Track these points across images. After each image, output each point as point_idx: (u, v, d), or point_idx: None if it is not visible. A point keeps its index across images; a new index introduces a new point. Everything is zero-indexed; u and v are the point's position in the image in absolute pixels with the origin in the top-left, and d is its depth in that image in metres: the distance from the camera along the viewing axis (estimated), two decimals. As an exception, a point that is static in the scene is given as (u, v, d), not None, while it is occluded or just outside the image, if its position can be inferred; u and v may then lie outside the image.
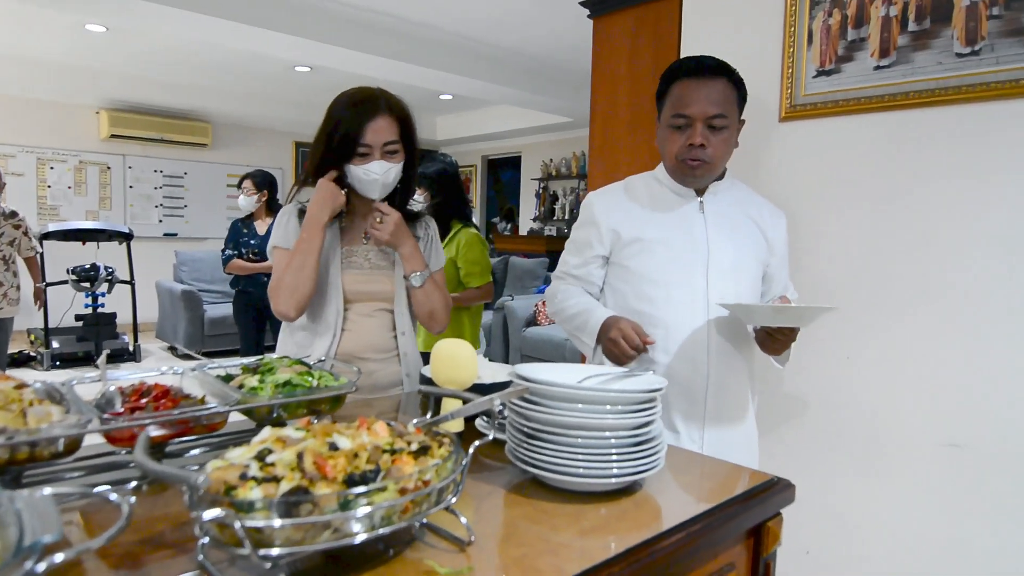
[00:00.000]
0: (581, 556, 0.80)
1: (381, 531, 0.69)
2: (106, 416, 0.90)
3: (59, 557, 0.53)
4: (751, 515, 1.00)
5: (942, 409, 1.71)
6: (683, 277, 1.49)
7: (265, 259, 3.96)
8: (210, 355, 6.30)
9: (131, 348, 6.00)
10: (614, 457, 0.97)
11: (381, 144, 1.53)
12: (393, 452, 0.74)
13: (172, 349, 6.59)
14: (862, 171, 1.82)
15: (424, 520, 0.77)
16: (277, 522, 0.63)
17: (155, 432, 0.94)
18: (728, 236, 1.51)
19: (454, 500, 0.78)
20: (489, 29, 5.21)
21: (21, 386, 0.97)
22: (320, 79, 6.75)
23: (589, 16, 2.51)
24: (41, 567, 0.51)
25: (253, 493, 0.65)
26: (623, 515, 0.93)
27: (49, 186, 6.81)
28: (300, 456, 0.69)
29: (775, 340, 1.44)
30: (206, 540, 0.70)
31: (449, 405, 1.18)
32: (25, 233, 4.20)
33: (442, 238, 2.77)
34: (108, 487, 0.83)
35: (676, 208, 1.53)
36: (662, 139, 1.53)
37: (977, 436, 1.65)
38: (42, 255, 4.45)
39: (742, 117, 1.52)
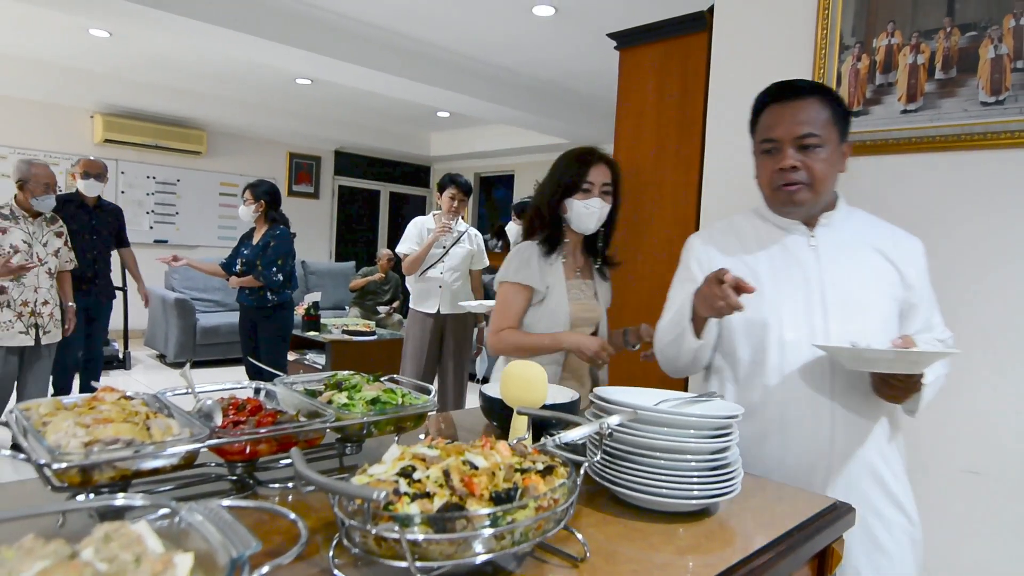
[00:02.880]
0: (688, 574, 0.84)
1: (521, 546, 0.72)
2: (218, 429, 0.93)
3: (265, 569, 0.56)
4: (822, 537, 1.06)
5: (961, 435, 1.78)
6: (796, 317, 1.34)
7: (248, 272, 3.93)
8: (201, 364, 6.23)
9: (121, 356, 5.91)
10: (695, 479, 1.02)
11: (600, 184, 1.82)
12: (523, 471, 0.78)
13: (161, 357, 6.50)
14: (888, 209, 1.90)
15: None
16: (437, 536, 0.67)
17: (261, 447, 0.96)
18: (847, 271, 1.34)
19: (570, 514, 0.82)
20: (489, 50, 5.30)
21: (125, 398, 0.99)
22: (320, 92, 6.78)
23: (616, 48, 2.59)
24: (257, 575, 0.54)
25: (411, 508, 0.68)
26: (710, 536, 0.98)
27: (39, 189, 6.71)
28: (447, 474, 0.72)
29: (891, 387, 1.25)
30: (330, 553, 0.74)
31: (519, 423, 1.22)
32: (66, 242, 3.61)
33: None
34: (264, 502, 0.86)
35: (782, 243, 1.39)
36: (756, 171, 1.41)
37: (997, 463, 1.73)
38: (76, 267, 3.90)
39: (847, 140, 1.37)
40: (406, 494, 0.70)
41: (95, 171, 4.04)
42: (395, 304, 7.09)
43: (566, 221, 1.86)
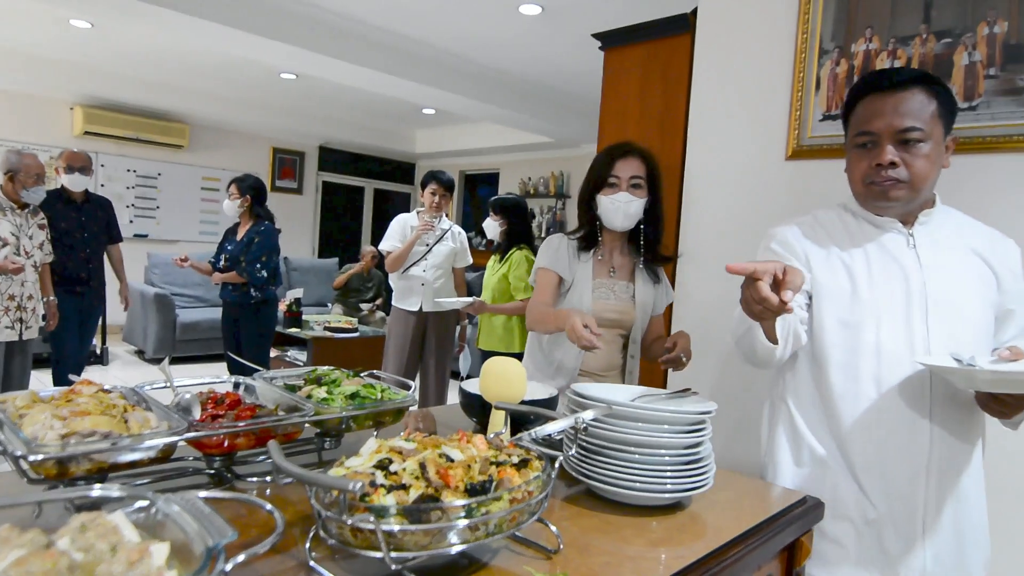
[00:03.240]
0: (659, 566, 0.86)
1: (495, 537, 0.74)
2: (196, 423, 0.93)
3: (240, 558, 0.57)
4: (792, 530, 1.08)
5: None
6: (895, 323, 1.23)
7: (232, 268, 3.89)
8: (181, 360, 6.17)
9: (99, 351, 5.84)
10: (668, 474, 1.04)
11: (628, 177, 1.74)
12: (498, 464, 0.79)
13: (140, 353, 6.43)
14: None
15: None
16: (412, 527, 0.68)
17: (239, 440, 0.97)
18: (947, 273, 1.23)
19: (543, 509, 0.84)
20: (475, 48, 5.30)
21: (103, 391, 0.99)
22: (305, 87, 6.74)
23: (601, 48, 2.61)
24: (229, 567, 0.55)
25: (387, 499, 0.69)
26: (682, 529, 1.00)
27: (17, 181, 6.61)
28: (423, 466, 0.74)
29: (1002, 403, 1.14)
30: (307, 545, 0.75)
31: (496, 418, 1.23)
32: (47, 235, 3.51)
33: (506, 258, 3.55)
34: (243, 493, 0.86)
35: (879, 241, 1.28)
36: (848, 165, 1.30)
37: None
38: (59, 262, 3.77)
39: (951, 134, 1.25)
40: (382, 486, 0.71)
41: (79, 164, 3.81)
42: (378, 301, 7.07)
43: (599, 219, 1.81)
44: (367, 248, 7.34)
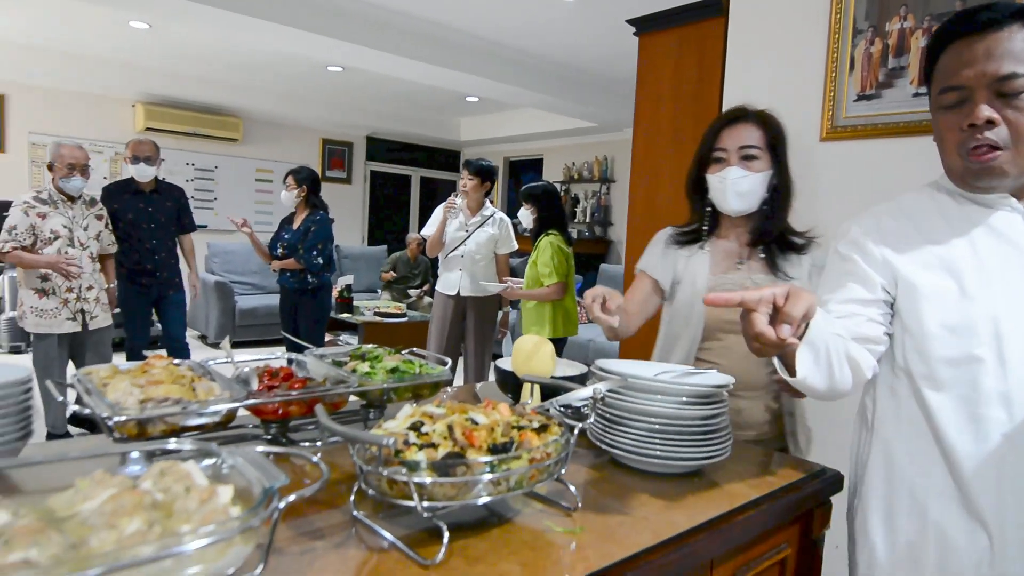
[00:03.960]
0: (670, 525, 0.93)
1: (514, 492, 0.82)
2: (255, 391, 1.05)
3: (291, 498, 0.67)
4: (808, 499, 1.13)
5: None
6: (1020, 326, 0.98)
7: (290, 256, 4.07)
8: (240, 345, 6.47)
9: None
10: (686, 443, 1.11)
11: (737, 148, 1.44)
12: (519, 428, 0.87)
13: (202, 338, 6.76)
14: (898, 191, 1.94)
15: (536, 487, 0.91)
16: (440, 479, 0.77)
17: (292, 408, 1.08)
18: None
19: (563, 471, 0.92)
20: (518, 35, 5.35)
21: (173, 364, 1.11)
22: (351, 79, 6.91)
23: (635, 34, 2.63)
24: (283, 504, 0.65)
25: (418, 455, 0.79)
26: (696, 494, 1.06)
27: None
28: (451, 428, 0.82)
29: None
30: (352, 498, 0.84)
31: (526, 391, 1.32)
32: (107, 225, 3.54)
33: (536, 245, 3.61)
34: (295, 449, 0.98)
35: (987, 224, 1.03)
36: (937, 134, 1.06)
37: None
38: (127, 253, 3.78)
39: None
40: (414, 444, 0.80)
41: (144, 154, 3.79)
42: (425, 287, 7.24)
43: (711, 203, 1.53)
44: (413, 235, 7.51)
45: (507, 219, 4.01)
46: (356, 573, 0.76)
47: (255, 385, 1.11)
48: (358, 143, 9.10)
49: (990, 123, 0.94)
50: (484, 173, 3.87)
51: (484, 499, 0.79)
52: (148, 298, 3.87)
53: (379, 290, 7.58)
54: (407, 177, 9.77)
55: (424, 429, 0.83)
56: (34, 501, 0.68)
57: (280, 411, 1.07)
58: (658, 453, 1.10)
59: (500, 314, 4.09)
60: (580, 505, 0.94)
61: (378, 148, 9.29)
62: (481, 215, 3.88)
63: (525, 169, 9.52)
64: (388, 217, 9.68)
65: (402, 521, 0.87)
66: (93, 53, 6.30)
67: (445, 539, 0.78)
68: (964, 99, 0.97)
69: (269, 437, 1.12)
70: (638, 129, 2.61)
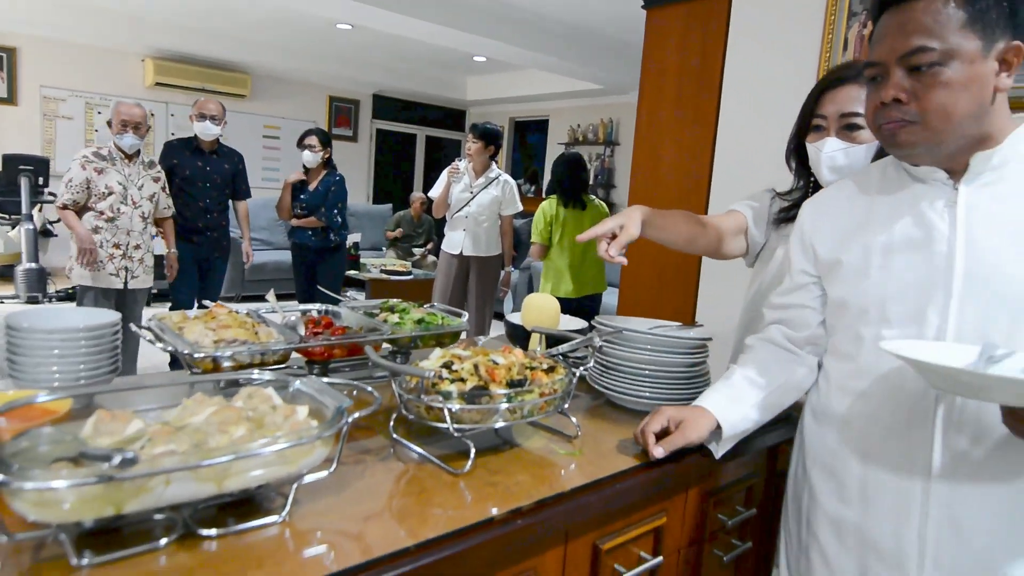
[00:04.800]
0: (657, 450, 1.12)
1: (527, 419, 1.01)
2: (304, 336, 1.23)
3: (356, 414, 0.85)
4: (774, 435, 1.32)
5: None
6: (905, 308, 0.96)
7: (310, 215, 4.14)
8: (248, 299, 6.67)
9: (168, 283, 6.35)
10: (672, 386, 1.29)
11: (838, 115, 1.25)
12: (532, 369, 1.05)
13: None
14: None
15: (543, 417, 1.10)
16: (468, 407, 0.95)
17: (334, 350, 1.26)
18: (999, 243, 0.91)
19: (567, 406, 1.10)
20: (529, -4, 5.39)
21: (232, 312, 1.29)
22: (360, 38, 6.94)
23: (643, 7, 2.74)
24: (351, 419, 0.83)
25: (451, 387, 0.97)
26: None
27: (96, 130, 7.09)
28: (476, 367, 1.01)
29: (1016, 419, 0.85)
30: (391, 424, 1.03)
31: (533, 340, 1.50)
32: (164, 188, 3.56)
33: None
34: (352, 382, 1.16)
35: (913, 200, 0.99)
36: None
37: None
38: (182, 212, 3.78)
39: (1007, 40, 0.89)
40: (447, 379, 0.98)
41: (211, 112, 3.80)
42: (429, 246, 7.41)
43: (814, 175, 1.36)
44: (416, 195, 7.64)
45: (512, 181, 4.14)
46: (399, 479, 0.95)
47: (302, 331, 1.29)
48: (365, 101, 9.14)
49: (897, 100, 0.92)
50: (489, 136, 3.99)
51: (502, 424, 0.98)
52: (197, 255, 3.92)
53: (384, 248, 7.74)
54: (412, 136, 9.82)
55: (455, 367, 1.01)
56: (150, 415, 0.86)
57: (325, 353, 1.25)
58: (647, 394, 1.28)
59: (502, 273, 4.26)
60: (580, 434, 1.13)
61: (384, 106, 9.32)
62: (486, 177, 4.02)
63: (531, 130, 9.57)
64: (393, 176, 9.77)
65: (433, 443, 1.06)
66: (103, 6, 6.32)
67: (472, 454, 0.97)
68: (880, 75, 0.95)
69: (314, 374, 1.30)
70: (643, 100, 2.74)
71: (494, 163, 4.08)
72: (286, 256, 7.24)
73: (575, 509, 0.95)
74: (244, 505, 0.83)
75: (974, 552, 0.92)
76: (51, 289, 6.26)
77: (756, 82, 2.38)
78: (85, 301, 3.38)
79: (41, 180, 6.16)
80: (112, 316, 1.15)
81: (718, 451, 1.13)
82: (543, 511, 0.91)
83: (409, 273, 6.12)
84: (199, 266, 3.96)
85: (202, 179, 3.87)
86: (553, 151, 8.98)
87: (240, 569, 0.71)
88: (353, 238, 6.13)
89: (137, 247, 3.42)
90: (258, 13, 6.26)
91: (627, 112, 7.82)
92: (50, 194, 6.36)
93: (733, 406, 1.12)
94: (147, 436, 0.75)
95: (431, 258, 7.26)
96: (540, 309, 1.48)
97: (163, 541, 0.73)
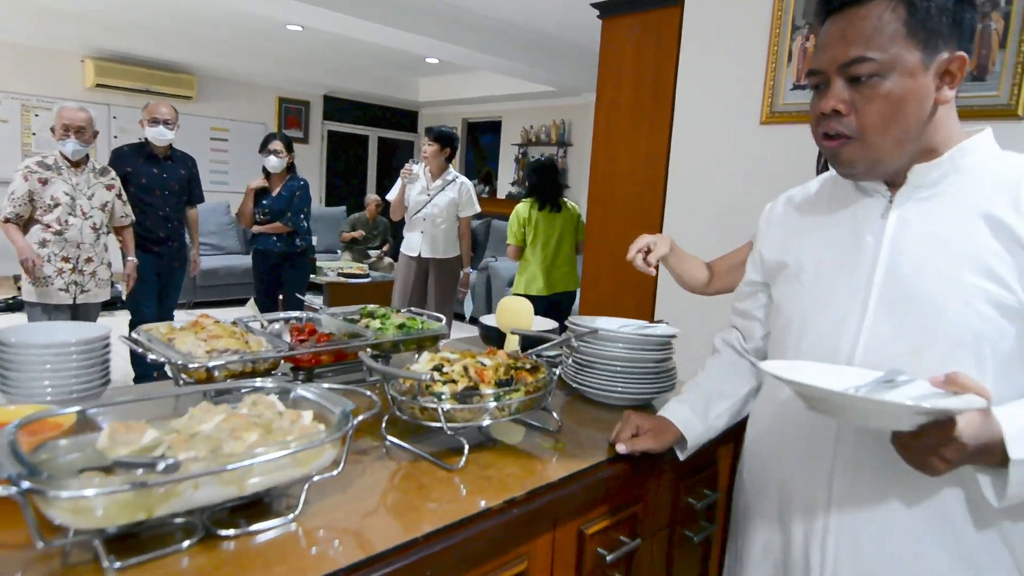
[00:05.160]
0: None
1: (514, 416, 1.08)
2: (292, 344, 1.27)
3: (360, 417, 0.90)
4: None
5: None
6: (827, 320, 0.95)
7: (274, 220, 4.08)
8: (201, 305, 6.53)
9: (124, 297, 6.18)
10: (641, 381, 1.38)
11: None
12: (516, 369, 1.13)
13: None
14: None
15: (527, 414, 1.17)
16: (460, 406, 1.02)
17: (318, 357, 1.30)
18: (924, 252, 0.88)
19: (549, 401, 1.18)
20: (480, -1, 5.46)
21: (216, 322, 1.32)
22: (310, 38, 6.87)
23: (599, 16, 2.84)
24: (356, 421, 0.89)
25: (443, 388, 1.03)
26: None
27: (34, 134, 6.81)
28: (466, 368, 1.07)
29: (901, 447, 0.81)
30: (383, 426, 1.09)
31: (511, 342, 1.57)
32: (119, 195, 3.37)
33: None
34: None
35: (854, 208, 0.97)
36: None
37: None
38: (134, 223, 3.57)
39: (949, 54, 0.85)
40: (438, 380, 1.05)
41: (163, 116, 3.66)
42: (385, 248, 7.40)
43: None
44: (371, 196, 7.61)
45: (468, 183, 4.20)
46: (396, 477, 1.01)
47: (287, 339, 1.33)
48: (315, 102, 9.04)
49: (836, 112, 0.88)
50: (444, 139, 4.05)
51: (490, 421, 1.05)
52: (158, 266, 3.81)
53: (339, 251, 7.69)
54: (365, 137, 9.76)
55: (445, 369, 1.07)
56: (156, 425, 0.90)
57: (313, 360, 1.29)
58: (619, 389, 1.37)
59: (461, 274, 4.31)
60: (561, 427, 1.21)
61: (335, 108, 9.24)
62: (443, 179, 4.07)
63: (484, 131, 9.63)
64: (346, 178, 9.69)
65: (423, 441, 1.12)
66: (41, 4, 6.10)
67: (466, 450, 1.03)
68: (821, 83, 0.91)
69: (300, 381, 1.34)
70: (599, 109, 2.84)
71: (450, 165, 4.14)
72: (238, 261, 7.17)
73: (562, 497, 1.02)
74: (255, 507, 0.87)
75: None
76: (-9, 299, 6.03)
77: (707, 91, 2.51)
78: (34, 317, 3.22)
79: (-24, 186, 5.92)
80: (102, 330, 1.16)
81: (682, 456, 1.19)
82: (534, 500, 0.98)
83: (367, 276, 6.12)
84: (160, 276, 3.86)
85: (160, 186, 3.74)
86: (507, 152, 9.07)
87: (263, 566, 0.75)
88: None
89: (88, 260, 3.24)
90: (204, 13, 6.14)
91: (579, 113, 7.97)
92: (-15, 201, 6.13)
93: (697, 420, 1.16)
94: (166, 444, 0.79)
95: (387, 260, 7.25)
96: (515, 312, 1.55)
97: (185, 544, 0.77)
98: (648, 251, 1.35)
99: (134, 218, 3.46)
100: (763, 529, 1.08)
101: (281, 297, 4.40)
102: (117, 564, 0.72)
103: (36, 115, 6.84)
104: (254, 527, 0.82)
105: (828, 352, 0.94)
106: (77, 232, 3.18)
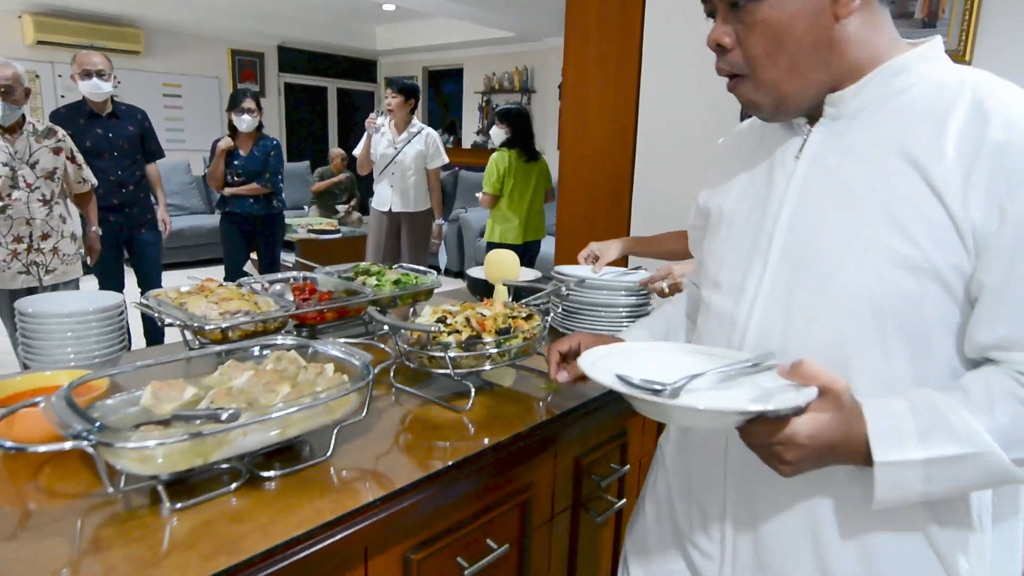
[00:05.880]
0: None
1: (514, 361, 1.18)
2: (297, 303, 1.34)
3: (377, 369, 0.99)
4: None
5: None
6: (733, 276, 0.83)
7: (248, 181, 3.94)
8: (169, 268, 6.44)
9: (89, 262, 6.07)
10: (623, 323, 1.49)
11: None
12: (513, 318, 1.22)
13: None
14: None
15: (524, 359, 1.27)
16: (465, 353, 1.11)
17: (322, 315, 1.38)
18: (824, 209, 0.75)
19: (543, 346, 1.28)
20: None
21: (221, 285, 1.38)
22: (262, -14, 6.64)
23: (563, -28, 2.85)
24: (376, 371, 0.97)
25: (449, 339, 1.12)
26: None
27: (-26, 95, 6.52)
28: (468, 319, 1.16)
29: (751, 448, 0.71)
30: (391, 376, 1.18)
31: (500, 292, 1.66)
32: (70, 158, 2.91)
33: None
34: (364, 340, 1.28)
35: (772, 149, 0.83)
36: None
37: None
38: (95, 187, 3.11)
39: None
40: (443, 331, 1.13)
41: (96, 67, 3.21)
42: (352, 202, 7.35)
43: None
44: (335, 151, 7.51)
45: (434, 133, 4.19)
46: (408, 419, 1.11)
47: (291, 298, 1.40)
48: (269, 53, 8.75)
49: (720, 48, 0.76)
50: (408, 91, 4.04)
51: (491, 367, 1.14)
52: (117, 237, 3.44)
53: (306, 207, 7.62)
54: (323, 89, 9.52)
55: (448, 321, 1.16)
56: (190, 382, 0.97)
57: (317, 317, 1.37)
58: (606, 332, 1.48)
59: (433, 226, 4.35)
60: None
61: (291, 59, 8.97)
62: (408, 132, 4.07)
63: (445, 79, 9.48)
64: (306, 132, 9.49)
65: (431, 387, 1.22)
66: (-32, -44, 5.75)
67: (472, 393, 1.14)
68: (712, 11, 0.78)
69: (303, 337, 1.42)
70: (567, 60, 2.88)
71: (414, 117, 4.13)
72: (204, 221, 7.06)
73: (561, 430, 1.14)
74: (287, 452, 0.97)
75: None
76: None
77: (675, 39, 2.57)
78: (4, 310, 2.81)
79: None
80: (115, 299, 1.22)
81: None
82: (536, 434, 1.09)
83: (337, 231, 6.10)
84: (125, 246, 3.52)
85: (107, 148, 3.34)
86: (470, 100, 8.97)
87: (307, 501, 0.85)
88: (276, 199, 6.02)
89: (45, 236, 2.79)
90: (149, -37, 5.87)
91: (541, 59, 7.90)
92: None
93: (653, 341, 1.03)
94: (208, 398, 0.87)
95: (356, 215, 7.22)
96: (502, 264, 1.63)
97: (233, 485, 0.86)
98: (596, 258, 1.56)
99: (95, 181, 3.05)
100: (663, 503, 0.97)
101: (255, 257, 4.39)
102: (179, 505, 0.81)
103: (-25, 75, 6.52)
104: (294, 468, 0.91)
105: (727, 321, 0.82)
106: (24, 207, 2.73)
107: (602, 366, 0.78)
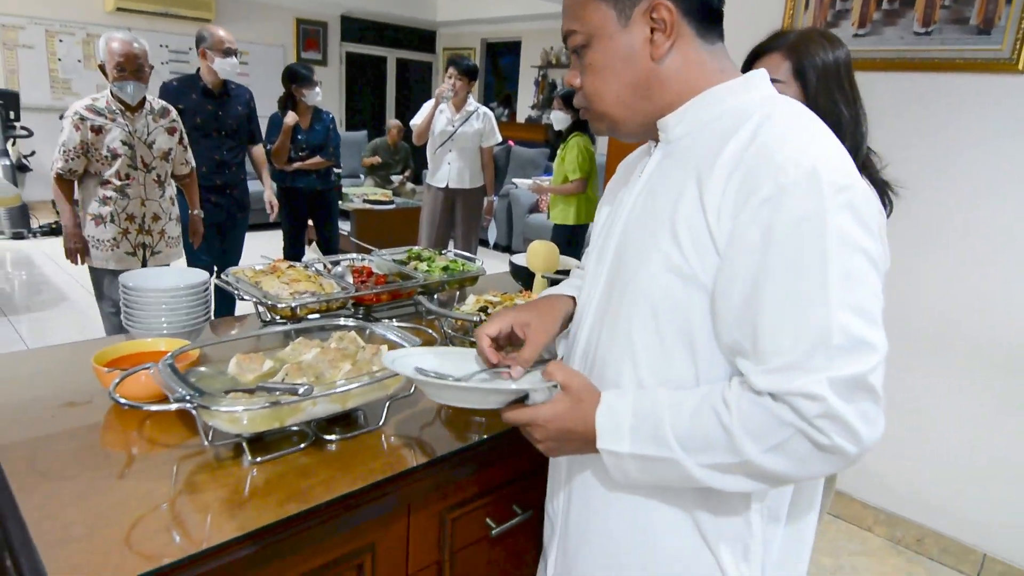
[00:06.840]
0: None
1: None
2: (356, 285, 1.49)
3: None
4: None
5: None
6: (585, 293, 0.93)
7: (313, 155, 4.01)
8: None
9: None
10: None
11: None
12: (548, 310, 1.34)
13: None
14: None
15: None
16: (504, 342, 1.24)
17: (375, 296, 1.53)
18: (645, 216, 0.83)
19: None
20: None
21: (291, 266, 1.54)
22: (328, -42, 6.78)
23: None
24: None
25: (490, 327, 1.25)
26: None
27: (60, 59, 6.90)
28: (507, 310, 1.29)
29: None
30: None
31: (540, 283, 1.79)
32: (181, 140, 2.82)
33: (565, 143, 4.02)
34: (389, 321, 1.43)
35: (633, 170, 0.94)
36: None
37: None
38: (194, 169, 2.98)
39: (645, 1, 0.78)
40: (485, 320, 1.27)
41: (235, 46, 3.20)
42: (407, 173, 7.53)
43: None
44: (392, 121, 7.67)
45: (490, 113, 4.30)
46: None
47: (350, 280, 1.55)
48: (332, 23, 8.94)
49: (572, 86, 0.88)
50: (473, 72, 4.15)
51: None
52: (217, 219, 3.30)
53: (362, 176, 7.83)
54: (383, 59, 9.68)
55: (489, 311, 1.30)
56: (267, 355, 1.14)
57: (375, 299, 1.52)
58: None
59: (485, 202, 4.48)
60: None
61: (353, 28, 9.14)
62: (465, 111, 4.19)
63: (503, 52, 9.51)
64: (365, 101, 9.69)
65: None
66: (57, -73, 6.06)
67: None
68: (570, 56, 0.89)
69: (360, 317, 1.58)
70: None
71: (470, 96, 4.25)
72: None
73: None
74: (344, 420, 1.12)
75: (595, 555, 0.89)
76: (35, 224, 6.31)
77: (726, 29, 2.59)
78: (105, 285, 2.75)
79: (12, 114, 6.08)
80: (204, 275, 1.39)
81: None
82: (563, 417, 1.22)
83: (391, 202, 6.29)
84: (219, 229, 3.35)
85: (216, 127, 3.22)
86: (526, 75, 9.00)
87: (362, 462, 1.01)
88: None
89: (156, 218, 2.74)
90: (223, -66, 6.07)
91: (600, 35, 7.83)
92: (23, 128, 6.29)
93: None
94: (284, 371, 1.03)
95: (410, 185, 7.40)
96: (545, 255, 1.76)
97: (302, 445, 1.02)
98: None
99: (194, 164, 2.95)
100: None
101: (313, 230, 4.52)
102: (258, 459, 0.97)
103: (60, 40, 6.91)
104: (352, 433, 1.07)
105: (575, 325, 0.94)
106: (140, 187, 2.67)
107: (402, 362, 0.94)
